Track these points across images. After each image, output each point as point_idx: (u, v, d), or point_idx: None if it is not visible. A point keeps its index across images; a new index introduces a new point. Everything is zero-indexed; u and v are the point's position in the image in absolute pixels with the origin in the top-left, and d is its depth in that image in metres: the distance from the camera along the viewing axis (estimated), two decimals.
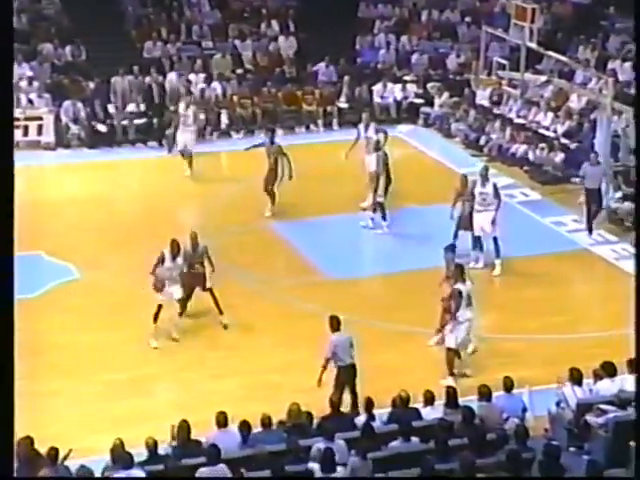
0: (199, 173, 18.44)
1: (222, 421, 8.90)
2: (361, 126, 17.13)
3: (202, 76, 21.37)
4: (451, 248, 12.52)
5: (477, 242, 14.07)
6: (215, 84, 21.20)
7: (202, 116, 19.50)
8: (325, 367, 10.35)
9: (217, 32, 23.01)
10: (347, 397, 10.41)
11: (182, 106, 18.14)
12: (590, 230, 15.35)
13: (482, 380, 9.51)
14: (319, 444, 8.47)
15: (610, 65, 21.24)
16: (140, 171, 18.87)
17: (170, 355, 11.87)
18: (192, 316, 12.86)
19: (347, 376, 10.37)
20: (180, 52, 22.11)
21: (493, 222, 13.91)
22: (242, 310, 12.98)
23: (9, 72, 4.09)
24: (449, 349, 11.17)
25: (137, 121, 20.28)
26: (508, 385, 9.41)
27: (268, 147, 16.27)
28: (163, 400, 10.97)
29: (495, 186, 14.23)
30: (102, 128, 19.95)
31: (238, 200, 17.15)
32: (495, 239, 14.02)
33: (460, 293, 11.19)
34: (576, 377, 9.33)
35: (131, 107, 20.37)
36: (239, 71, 21.81)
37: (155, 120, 20.30)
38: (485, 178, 14.20)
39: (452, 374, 11.03)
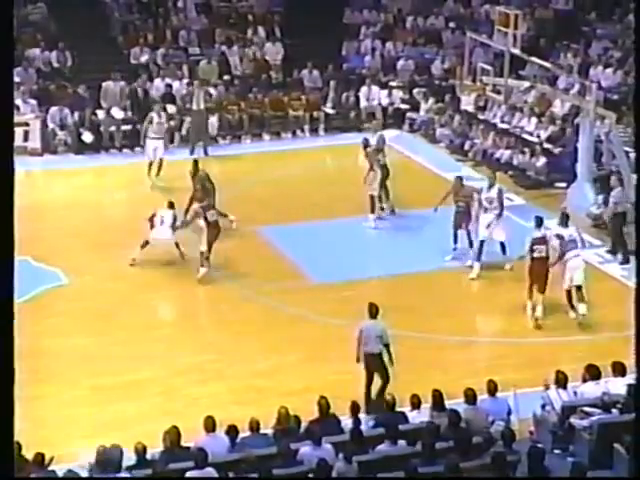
0: (186, 178, 18.38)
1: (210, 426, 8.88)
2: (370, 133, 17.20)
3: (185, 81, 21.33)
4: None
5: (480, 246, 14.10)
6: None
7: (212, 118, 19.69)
8: (360, 349, 10.50)
9: (203, 38, 22.99)
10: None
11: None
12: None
13: (468, 383, 9.51)
14: (307, 448, 8.46)
15: (592, 71, 21.37)
16: (127, 177, 18.83)
17: (157, 360, 11.83)
18: (178, 320, 12.84)
19: (372, 364, 10.38)
20: (167, 58, 22.09)
21: (488, 226, 14.01)
22: (229, 315, 12.97)
23: (9, 79, 4.07)
24: (567, 290, 12.57)
25: (124, 127, 20.24)
26: (492, 388, 9.43)
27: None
28: (150, 405, 10.93)
29: (499, 191, 14.27)
30: (89, 134, 19.88)
31: (224, 205, 17.13)
32: (502, 243, 14.10)
33: (562, 237, 12.64)
34: (561, 380, 9.37)
35: (119, 113, 20.32)
36: (226, 77, 21.79)
37: (140, 126, 20.27)
38: (491, 183, 14.40)
39: (572, 307, 12.50)
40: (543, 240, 12.84)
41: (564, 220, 13.44)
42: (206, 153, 19.63)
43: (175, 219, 14.22)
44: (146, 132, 18.14)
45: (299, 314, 12.94)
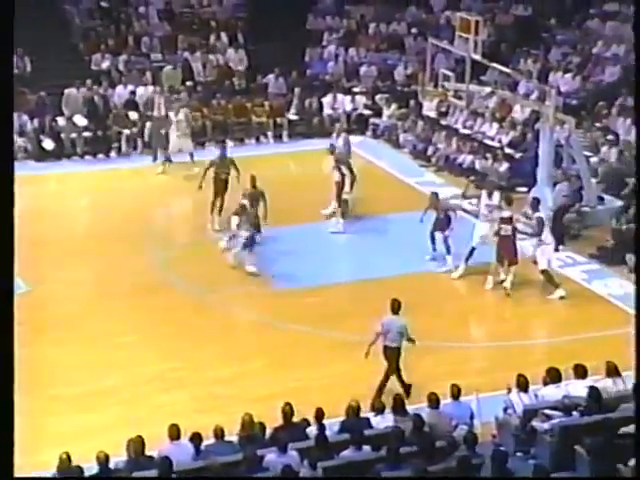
0: (149, 186, 18.33)
1: (174, 434, 8.84)
2: (334, 136, 17.25)
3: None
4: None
5: (470, 251, 14.25)
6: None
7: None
8: (374, 342, 10.87)
9: (166, 44, 22.91)
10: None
11: (173, 113, 18.77)
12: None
13: (431, 388, 9.56)
14: (272, 455, 8.45)
15: (552, 76, 21.62)
16: (89, 184, 18.70)
17: (120, 369, 11.75)
18: (140, 328, 12.77)
19: (389, 356, 10.87)
20: (129, 64, 21.97)
21: (482, 235, 14.21)
22: (192, 322, 12.92)
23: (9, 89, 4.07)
24: (542, 271, 13.41)
25: (86, 134, 20.10)
26: (455, 393, 9.50)
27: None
28: (113, 414, 10.84)
29: (500, 198, 14.35)
30: (50, 141, 19.71)
31: (186, 212, 17.08)
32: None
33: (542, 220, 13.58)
34: (522, 383, 9.45)
35: (81, 120, 20.17)
36: (189, 83, 21.72)
37: (100, 133, 20.16)
38: (491, 191, 14.59)
39: (557, 286, 13.36)
40: (509, 220, 13.77)
41: (535, 205, 14.20)
42: (169, 160, 19.55)
43: None
44: (167, 133, 18.82)
45: (262, 320, 12.93)
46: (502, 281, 13.77)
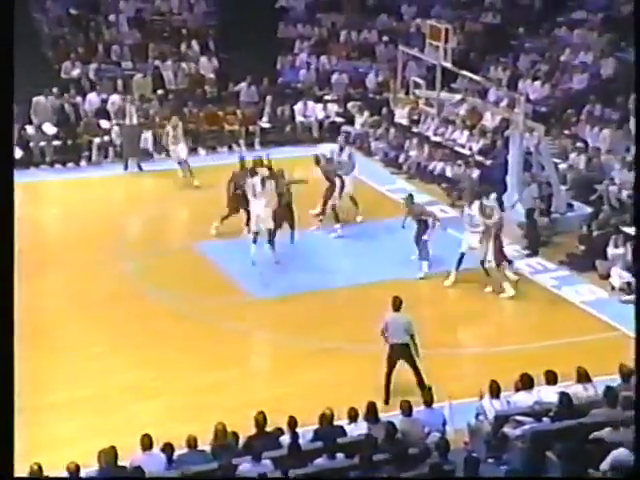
0: (121, 194, 18.28)
1: (146, 444, 8.81)
2: (336, 148, 17.26)
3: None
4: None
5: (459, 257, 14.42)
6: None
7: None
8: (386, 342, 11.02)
9: (137, 52, 22.86)
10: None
11: (170, 126, 18.84)
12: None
13: (404, 395, 9.62)
14: (246, 464, 8.46)
15: (521, 84, 21.82)
16: (58, 193, 18.61)
17: (94, 378, 11.70)
18: (114, 337, 12.72)
19: (398, 354, 10.97)
20: (99, 73, 21.89)
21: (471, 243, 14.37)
22: (168, 331, 12.89)
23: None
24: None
25: (55, 142, 19.99)
26: (428, 399, 9.56)
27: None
28: (86, 424, 10.79)
29: (480, 206, 14.49)
30: (18, 150, 19.59)
31: (160, 221, 17.04)
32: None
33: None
34: (494, 390, 9.53)
35: (51, 129, 20.06)
36: (160, 92, 21.68)
37: (70, 141, 20.07)
38: (471, 200, 14.81)
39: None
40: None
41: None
42: (140, 168, 19.51)
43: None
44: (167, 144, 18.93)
45: (237, 329, 12.93)
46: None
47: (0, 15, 3.84)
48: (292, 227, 15.34)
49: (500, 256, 14.18)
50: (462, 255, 14.40)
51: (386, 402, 10.85)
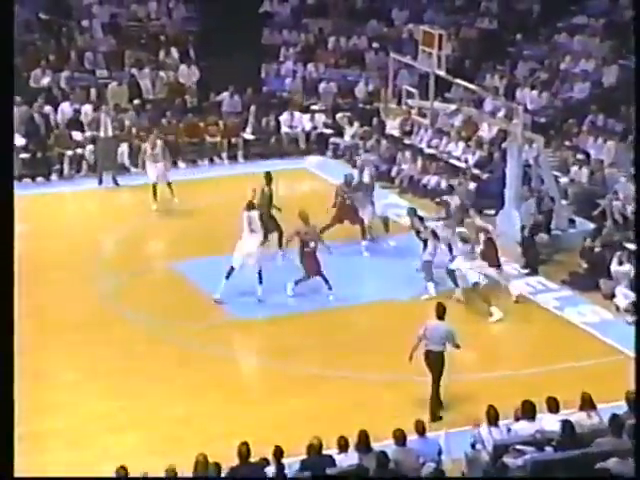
0: (96, 210, 18.27)
1: (123, 476, 8.77)
2: (356, 171, 17.36)
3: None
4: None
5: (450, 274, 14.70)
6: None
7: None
8: (415, 347, 11.33)
9: (112, 60, 22.91)
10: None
11: (148, 145, 18.56)
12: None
13: (396, 424, 9.62)
14: None
15: (519, 93, 21.97)
16: (27, 208, 18.53)
17: (66, 408, 11.64)
18: (86, 364, 12.67)
19: (432, 361, 11.32)
20: (72, 81, 21.91)
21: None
22: (144, 357, 12.86)
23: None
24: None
25: (24, 155, 19.91)
26: (421, 428, 9.56)
27: None
28: (60, 456, 10.73)
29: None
30: None
31: (137, 239, 17.02)
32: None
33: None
34: (492, 417, 9.53)
35: (19, 140, 19.99)
36: (137, 101, 21.72)
37: (40, 154, 20.05)
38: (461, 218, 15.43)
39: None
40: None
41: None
42: (116, 183, 19.50)
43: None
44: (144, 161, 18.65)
45: (217, 354, 12.91)
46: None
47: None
48: (280, 244, 15.44)
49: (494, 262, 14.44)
50: (452, 272, 14.55)
51: (432, 420, 11.04)
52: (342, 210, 16.28)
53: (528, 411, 9.58)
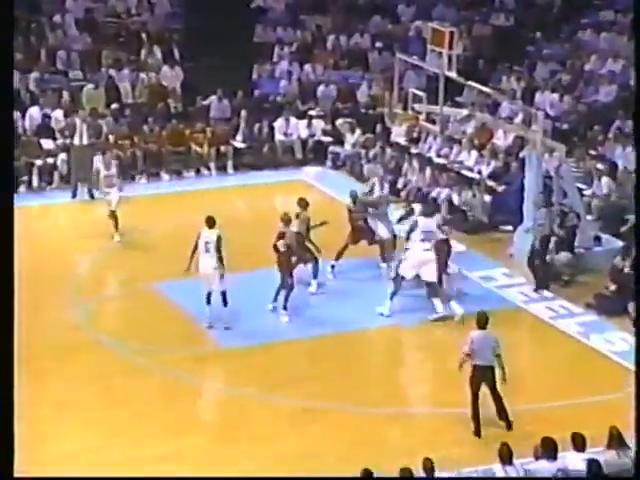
0: (69, 225, 18.31)
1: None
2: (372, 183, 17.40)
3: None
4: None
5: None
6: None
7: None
8: (463, 362, 11.71)
9: (87, 60, 23.02)
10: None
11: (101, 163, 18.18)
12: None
13: (401, 462, 9.62)
14: None
15: (538, 97, 22.07)
16: None
17: (36, 446, 11.62)
18: (60, 397, 12.66)
19: (482, 377, 11.61)
20: (42, 84, 21.99)
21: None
22: (124, 389, 12.86)
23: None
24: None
25: None
26: (429, 467, 9.55)
27: None
28: None
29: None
30: None
31: (113, 257, 17.04)
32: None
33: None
34: (505, 454, 9.51)
35: None
36: (115, 106, 21.80)
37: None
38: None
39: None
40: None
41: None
42: (92, 196, 19.55)
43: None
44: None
45: (205, 386, 12.91)
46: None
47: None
48: (315, 275, 15.72)
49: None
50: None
51: (477, 434, 11.63)
52: (355, 231, 16.29)
53: (549, 449, 9.57)
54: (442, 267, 14.97)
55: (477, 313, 11.95)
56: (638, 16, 19.21)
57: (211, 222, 14.45)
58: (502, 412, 11.76)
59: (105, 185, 17.75)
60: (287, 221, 14.84)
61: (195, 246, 14.33)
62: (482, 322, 11.78)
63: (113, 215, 17.52)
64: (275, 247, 14.69)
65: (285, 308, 14.65)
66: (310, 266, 15.69)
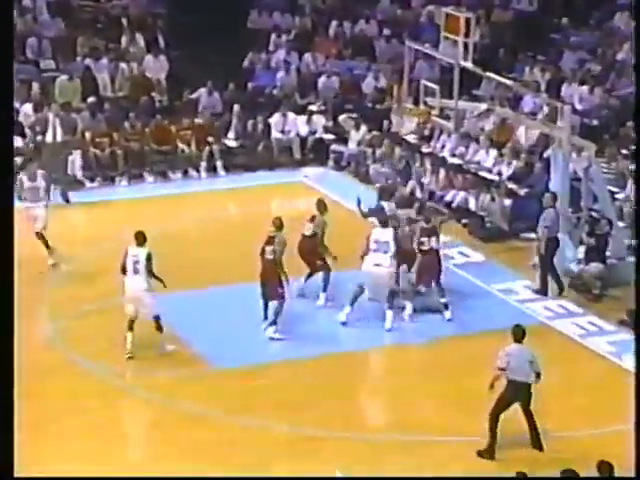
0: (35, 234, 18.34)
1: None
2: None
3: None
4: None
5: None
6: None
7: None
8: (497, 378, 11.87)
9: (61, 48, 23.08)
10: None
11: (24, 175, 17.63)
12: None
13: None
14: None
15: (565, 89, 22.13)
16: None
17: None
18: (35, 423, 12.71)
19: (516, 394, 11.85)
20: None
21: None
22: (101, 415, 12.89)
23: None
24: None
25: None
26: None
27: None
28: None
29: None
30: None
31: (90, 268, 17.07)
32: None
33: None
34: None
35: None
36: (92, 99, 21.85)
37: None
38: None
39: None
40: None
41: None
42: (66, 200, 19.59)
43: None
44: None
45: (196, 412, 12.94)
46: None
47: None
48: (325, 288, 15.80)
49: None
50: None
51: (491, 456, 11.81)
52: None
53: (605, 471, 9.68)
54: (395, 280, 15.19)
55: (513, 327, 12.16)
56: (638, 16, 19.45)
57: (141, 239, 14.21)
58: (535, 433, 11.96)
59: (30, 199, 17.06)
60: (279, 225, 14.87)
61: (123, 266, 14.14)
62: (519, 335, 12.04)
63: (40, 236, 16.98)
64: (262, 252, 14.71)
65: (274, 323, 14.66)
66: (320, 276, 15.73)
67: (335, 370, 14.03)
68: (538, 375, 11.94)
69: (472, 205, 19.22)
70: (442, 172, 20.18)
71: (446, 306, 15.36)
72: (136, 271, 14.10)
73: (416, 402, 13.41)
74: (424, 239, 15.39)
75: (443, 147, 21.07)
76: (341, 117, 22.77)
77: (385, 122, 21.98)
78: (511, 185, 19.35)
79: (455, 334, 14.96)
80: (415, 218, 16.09)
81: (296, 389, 13.63)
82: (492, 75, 19.14)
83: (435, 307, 15.46)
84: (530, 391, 11.89)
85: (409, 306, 15.31)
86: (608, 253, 16.78)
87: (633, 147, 18.86)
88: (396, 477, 11.57)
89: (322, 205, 15.91)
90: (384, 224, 15.21)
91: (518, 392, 11.86)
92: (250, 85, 23.63)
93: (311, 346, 14.61)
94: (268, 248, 14.70)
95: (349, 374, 14.02)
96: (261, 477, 11.51)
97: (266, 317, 14.79)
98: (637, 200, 15.39)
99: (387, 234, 15.01)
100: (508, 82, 19.80)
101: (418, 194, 19.21)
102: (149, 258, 14.11)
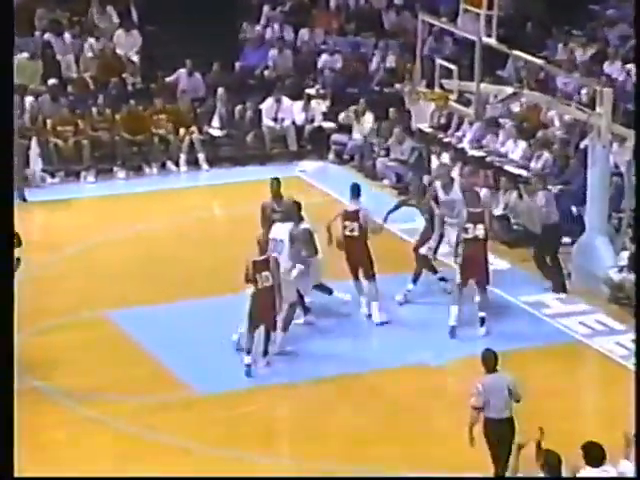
0: None
1: None
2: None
3: None
4: None
5: None
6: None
7: None
8: (475, 420, 11.47)
9: (17, 21, 23.08)
10: None
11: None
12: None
13: None
14: None
15: (606, 69, 22.17)
16: None
17: None
18: None
19: (498, 433, 11.42)
20: None
21: None
22: (69, 447, 12.97)
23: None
24: None
25: None
26: None
27: None
28: None
29: None
30: None
31: (54, 278, 17.14)
32: None
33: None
34: None
35: None
36: (53, 81, 21.90)
37: None
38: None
39: None
40: (355, 215, 15.56)
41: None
42: (23, 198, 19.66)
43: None
44: None
45: (174, 443, 13.00)
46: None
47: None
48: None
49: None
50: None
51: None
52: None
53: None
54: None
55: (483, 352, 11.77)
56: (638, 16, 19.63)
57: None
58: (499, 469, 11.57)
59: None
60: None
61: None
62: (491, 364, 11.67)
63: None
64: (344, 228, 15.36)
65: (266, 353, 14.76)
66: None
67: (336, 395, 14.10)
68: (518, 401, 11.63)
69: (494, 205, 19.14)
70: (461, 165, 20.07)
71: (482, 320, 15.39)
72: None
73: (430, 432, 13.47)
74: (469, 225, 15.50)
75: (463, 137, 21.09)
76: (341, 115, 22.62)
77: (395, 108, 21.90)
78: (541, 181, 19.34)
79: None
80: None
81: (284, 418, 13.69)
82: (519, 53, 19.17)
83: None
84: (511, 428, 11.53)
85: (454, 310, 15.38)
86: None
87: None
88: (396, 477, 11.83)
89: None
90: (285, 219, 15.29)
91: (497, 431, 11.50)
92: (238, 65, 23.69)
93: (309, 368, 14.68)
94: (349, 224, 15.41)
95: (354, 399, 14.07)
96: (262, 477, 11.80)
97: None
98: (637, 197, 15.46)
99: (283, 231, 15.03)
100: (538, 61, 19.83)
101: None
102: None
